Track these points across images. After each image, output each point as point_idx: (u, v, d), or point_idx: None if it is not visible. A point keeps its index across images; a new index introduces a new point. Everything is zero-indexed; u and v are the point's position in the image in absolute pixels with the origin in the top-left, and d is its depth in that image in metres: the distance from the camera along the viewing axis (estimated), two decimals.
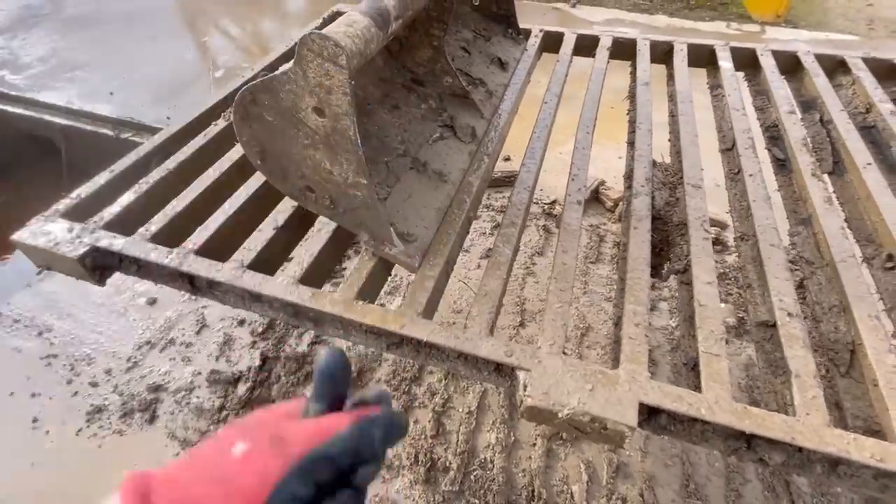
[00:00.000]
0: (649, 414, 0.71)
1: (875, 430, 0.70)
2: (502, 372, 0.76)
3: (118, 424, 1.62)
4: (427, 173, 1.00)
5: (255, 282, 0.84)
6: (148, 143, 1.15)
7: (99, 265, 0.93)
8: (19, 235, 0.93)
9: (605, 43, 1.56)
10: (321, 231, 0.93)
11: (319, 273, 0.92)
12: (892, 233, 0.91)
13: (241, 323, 1.92)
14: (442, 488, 1.44)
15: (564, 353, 0.73)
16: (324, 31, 0.60)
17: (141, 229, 0.95)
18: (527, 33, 1.63)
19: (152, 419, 1.64)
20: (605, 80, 1.42)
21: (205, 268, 0.86)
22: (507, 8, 1.51)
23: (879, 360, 0.71)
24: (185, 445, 1.56)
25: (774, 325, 0.77)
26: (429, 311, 0.81)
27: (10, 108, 3.41)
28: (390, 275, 0.97)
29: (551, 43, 1.65)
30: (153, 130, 2.95)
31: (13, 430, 1.61)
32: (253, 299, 0.88)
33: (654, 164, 1.13)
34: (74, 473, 1.50)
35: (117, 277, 2.11)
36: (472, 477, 1.47)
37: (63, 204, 0.99)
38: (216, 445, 0.38)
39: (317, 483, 0.37)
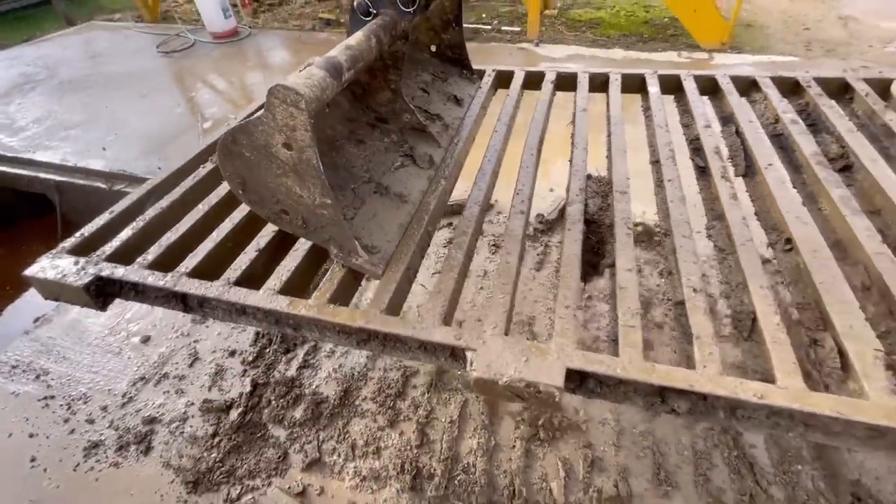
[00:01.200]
0: (581, 381, 0.83)
1: (769, 381, 0.83)
2: (456, 356, 0.88)
3: (114, 457, 1.68)
4: (389, 196, 1.15)
5: (240, 295, 0.97)
6: (143, 187, 1.30)
7: (101, 292, 1.06)
8: (31, 270, 1.05)
9: (550, 77, 1.77)
10: (298, 250, 1.07)
11: (298, 285, 1.04)
12: (786, 220, 1.06)
13: (232, 354, 2.01)
14: (428, 494, 1.51)
15: (505, 335, 0.86)
16: (286, 82, 0.76)
17: (139, 259, 1.08)
18: (481, 73, 1.84)
19: (147, 450, 1.70)
20: (550, 109, 1.61)
21: (195, 287, 0.99)
22: (460, 53, 1.72)
23: (767, 321, 0.84)
24: (180, 473, 1.62)
25: (683, 302, 0.90)
26: (392, 309, 0.94)
27: (5, 169, 3.57)
28: (360, 284, 1.10)
29: (503, 80, 1.85)
30: (144, 181, 3.11)
31: (12, 471, 1.66)
32: (238, 312, 1.00)
33: (590, 177, 1.29)
34: None
35: (112, 319, 2.20)
36: (455, 482, 1.54)
37: (69, 242, 1.12)
38: None
39: None
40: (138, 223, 1.18)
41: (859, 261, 1.01)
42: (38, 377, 1.97)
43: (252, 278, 1.04)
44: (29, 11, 7.96)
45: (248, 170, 0.90)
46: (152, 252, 1.09)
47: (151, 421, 1.78)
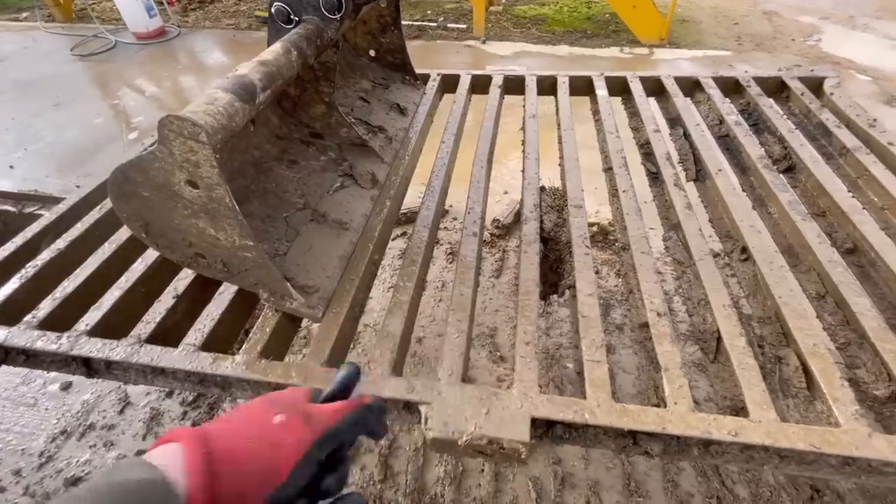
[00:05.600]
0: (547, 427, 0.76)
1: (740, 408, 0.79)
2: (410, 409, 0.79)
3: None
4: (328, 223, 1.04)
5: (153, 355, 0.82)
6: (35, 225, 1.11)
7: None
8: None
9: (497, 81, 1.70)
10: (223, 293, 0.93)
11: (225, 336, 0.91)
12: (740, 228, 1.04)
13: (170, 394, 1.82)
14: None
15: (464, 380, 0.77)
16: (184, 110, 0.63)
17: (27, 317, 0.90)
18: (425, 78, 1.74)
19: None
20: (499, 116, 1.54)
21: (98, 348, 0.84)
22: (401, 57, 1.61)
23: (733, 343, 0.81)
24: None
25: (647, 325, 0.85)
26: (334, 359, 0.83)
27: None
28: (299, 328, 0.98)
29: (449, 85, 1.76)
30: (61, 201, 2.79)
31: None
32: (155, 374, 0.85)
33: (543, 189, 1.23)
34: None
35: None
36: None
37: None
38: (257, 413, 0.49)
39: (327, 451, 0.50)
40: (28, 270, 1.00)
41: (812, 267, 1.00)
42: None
43: (170, 332, 0.89)
44: None
45: (150, 211, 0.76)
46: (45, 307, 0.92)
47: (75, 482, 1.57)
